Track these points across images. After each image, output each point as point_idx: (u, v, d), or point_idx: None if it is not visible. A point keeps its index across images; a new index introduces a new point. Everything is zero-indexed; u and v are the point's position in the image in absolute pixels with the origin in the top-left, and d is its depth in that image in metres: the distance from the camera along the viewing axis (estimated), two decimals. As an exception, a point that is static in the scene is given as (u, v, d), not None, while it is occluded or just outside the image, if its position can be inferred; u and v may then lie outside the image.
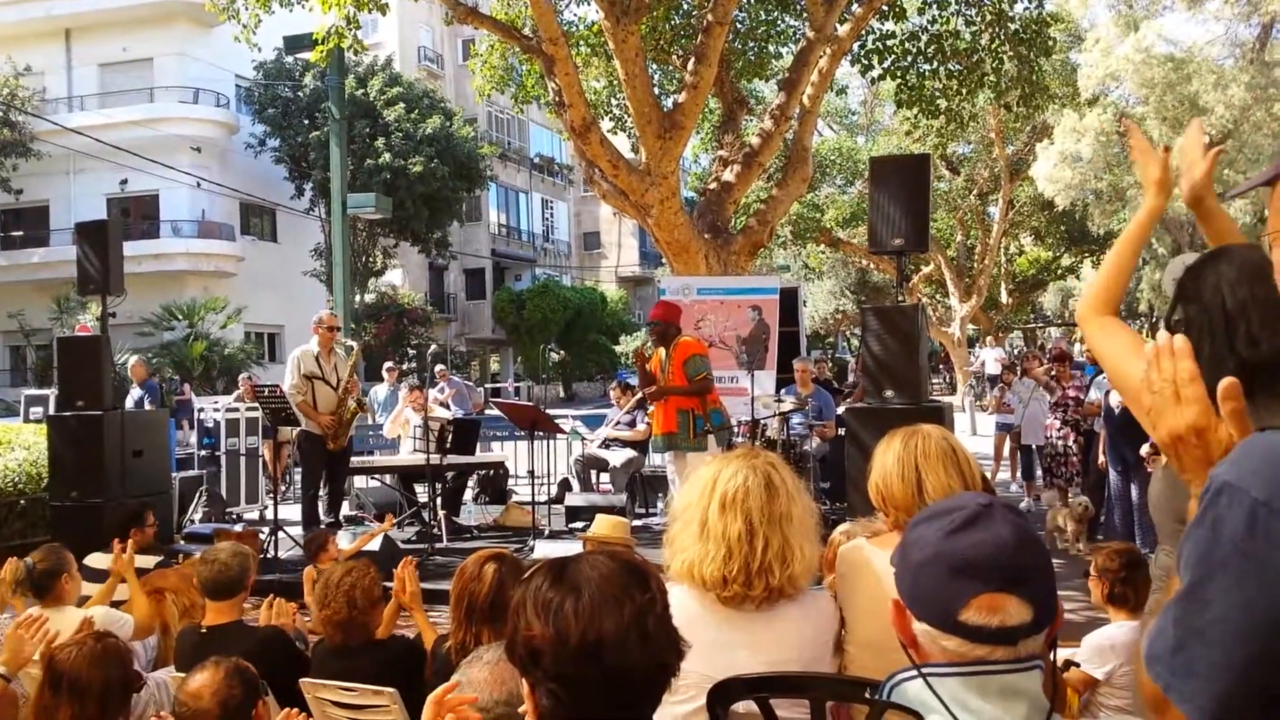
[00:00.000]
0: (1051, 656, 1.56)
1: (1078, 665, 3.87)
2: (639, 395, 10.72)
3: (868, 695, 2.18)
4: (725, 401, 8.66)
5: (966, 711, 1.40)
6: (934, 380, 35.02)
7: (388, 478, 10.60)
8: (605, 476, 10.60)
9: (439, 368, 16.00)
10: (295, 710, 2.87)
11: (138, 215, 32.04)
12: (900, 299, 7.87)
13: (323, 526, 8.30)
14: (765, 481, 2.39)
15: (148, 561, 5.51)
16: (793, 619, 2.40)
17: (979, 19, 12.89)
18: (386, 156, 29.55)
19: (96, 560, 5.25)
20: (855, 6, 11.75)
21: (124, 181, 30.48)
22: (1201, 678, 1.10)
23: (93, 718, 2.79)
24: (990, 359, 27.41)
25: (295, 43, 15.80)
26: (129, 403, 12.22)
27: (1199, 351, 1.91)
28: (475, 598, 3.28)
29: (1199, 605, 1.12)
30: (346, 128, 17.73)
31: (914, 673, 1.47)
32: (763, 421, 9.51)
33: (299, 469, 13.50)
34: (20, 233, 32.97)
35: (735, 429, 8.18)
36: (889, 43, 13.15)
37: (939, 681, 1.42)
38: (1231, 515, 1.12)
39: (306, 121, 30.20)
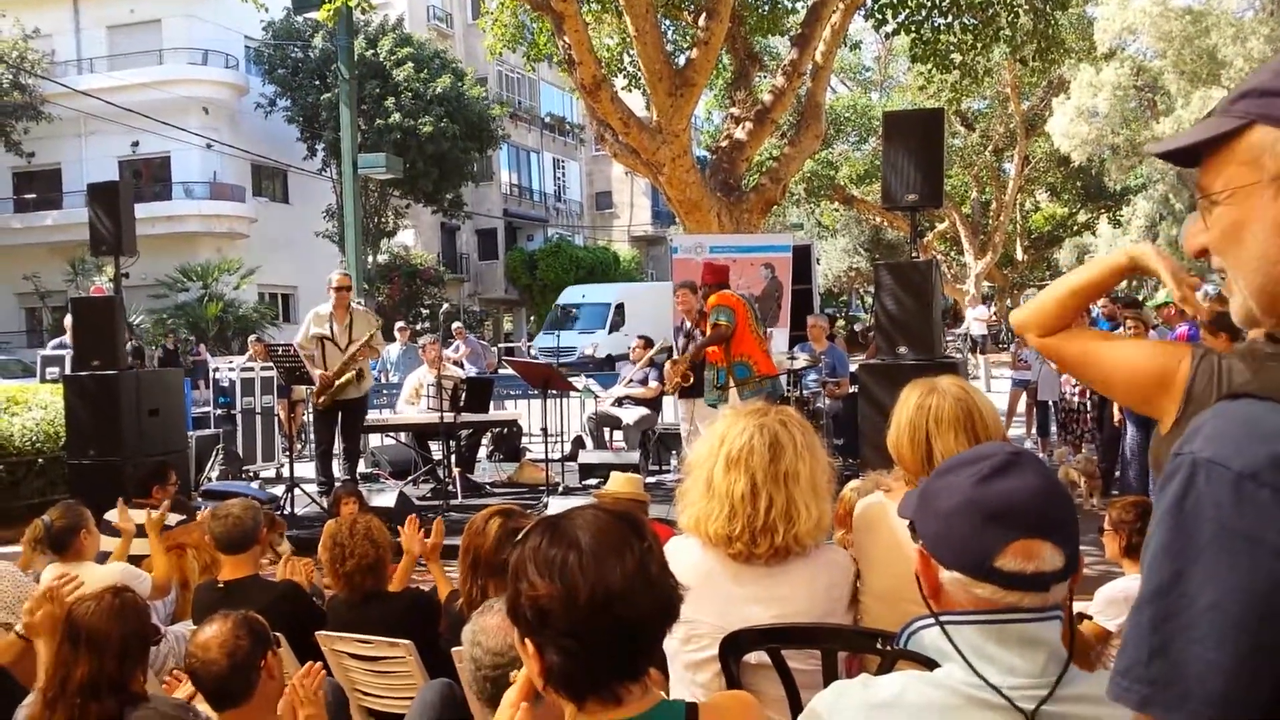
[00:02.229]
0: (1069, 606, 1.54)
1: (1090, 618, 3.88)
2: (651, 353, 10.75)
3: (879, 645, 2.19)
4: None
5: (984, 660, 1.40)
6: (948, 337, 34.85)
7: (402, 435, 10.65)
8: (619, 434, 10.64)
9: (455, 325, 16.06)
10: (317, 664, 2.90)
11: (149, 177, 32.05)
12: (914, 255, 7.82)
13: (338, 485, 8.35)
14: (771, 440, 2.37)
15: (170, 519, 5.57)
16: (804, 573, 2.41)
17: (995, -29, 12.69)
18: (396, 117, 29.40)
19: (116, 516, 5.30)
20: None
21: (135, 144, 30.45)
22: (1195, 679, 0.98)
23: (112, 672, 2.82)
24: (973, 319, 26.22)
25: (303, 2, 15.70)
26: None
27: None
28: (481, 551, 3.32)
29: (1181, 600, 1.00)
30: (357, 88, 17.64)
31: (930, 621, 1.47)
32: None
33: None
34: (33, 195, 33.02)
35: (769, 383, 8.04)
36: (903, -4, 12.96)
37: (956, 630, 1.42)
38: (1212, 492, 1.01)
39: (317, 82, 30.06)
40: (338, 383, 8.84)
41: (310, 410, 9.83)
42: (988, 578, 1.41)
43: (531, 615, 1.44)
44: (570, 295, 30.61)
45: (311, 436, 13.41)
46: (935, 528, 1.47)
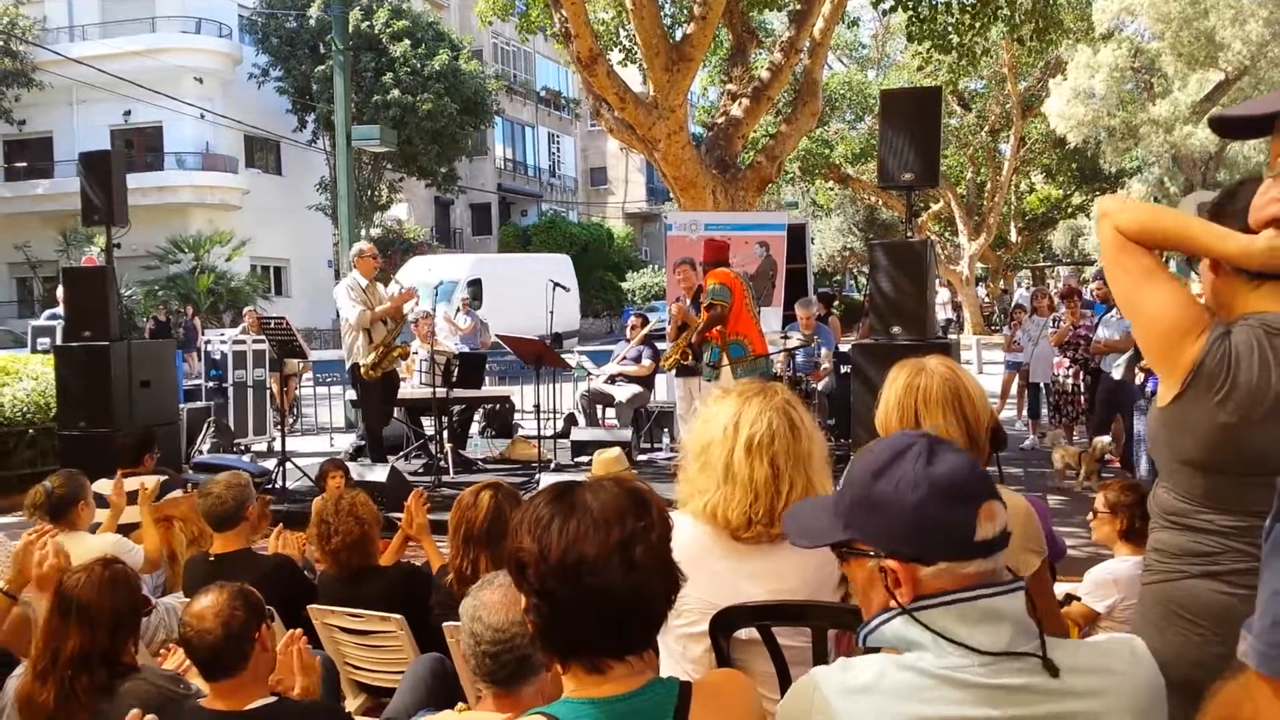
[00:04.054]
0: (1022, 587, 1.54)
1: (1079, 599, 3.90)
2: (646, 330, 10.74)
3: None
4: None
5: (950, 641, 1.40)
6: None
7: (395, 410, 10.63)
8: (611, 412, 10.64)
9: (462, 296, 16.03)
10: (299, 631, 2.91)
11: (141, 147, 31.83)
12: (909, 235, 7.81)
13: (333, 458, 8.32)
14: (789, 423, 2.37)
15: (150, 481, 5.59)
16: (798, 550, 2.41)
17: (994, -50, 12.61)
18: (395, 93, 29.23)
19: (104, 487, 5.30)
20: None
21: (127, 113, 30.24)
22: None
23: (103, 644, 2.82)
24: (937, 303, 25.81)
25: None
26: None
27: None
28: (472, 525, 3.32)
29: None
30: (351, 60, 17.49)
31: (888, 615, 1.45)
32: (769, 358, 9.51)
33: (306, 401, 13.58)
34: (24, 164, 32.80)
35: (762, 363, 8.04)
36: (902, -26, 12.87)
37: (922, 615, 1.42)
38: None
39: (307, 51, 29.83)
40: (392, 354, 8.74)
41: (357, 390, 9.39)
42: (973, 552, 1.42)
43: (514, 566, 1.50)
44: (413, 269, 25.02)
45: (305, 411, 13.44)
46: (907, 529, 1.44)
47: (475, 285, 21.74)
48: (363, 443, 10.47)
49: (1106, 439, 8.53)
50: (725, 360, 7.85)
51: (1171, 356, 1.98)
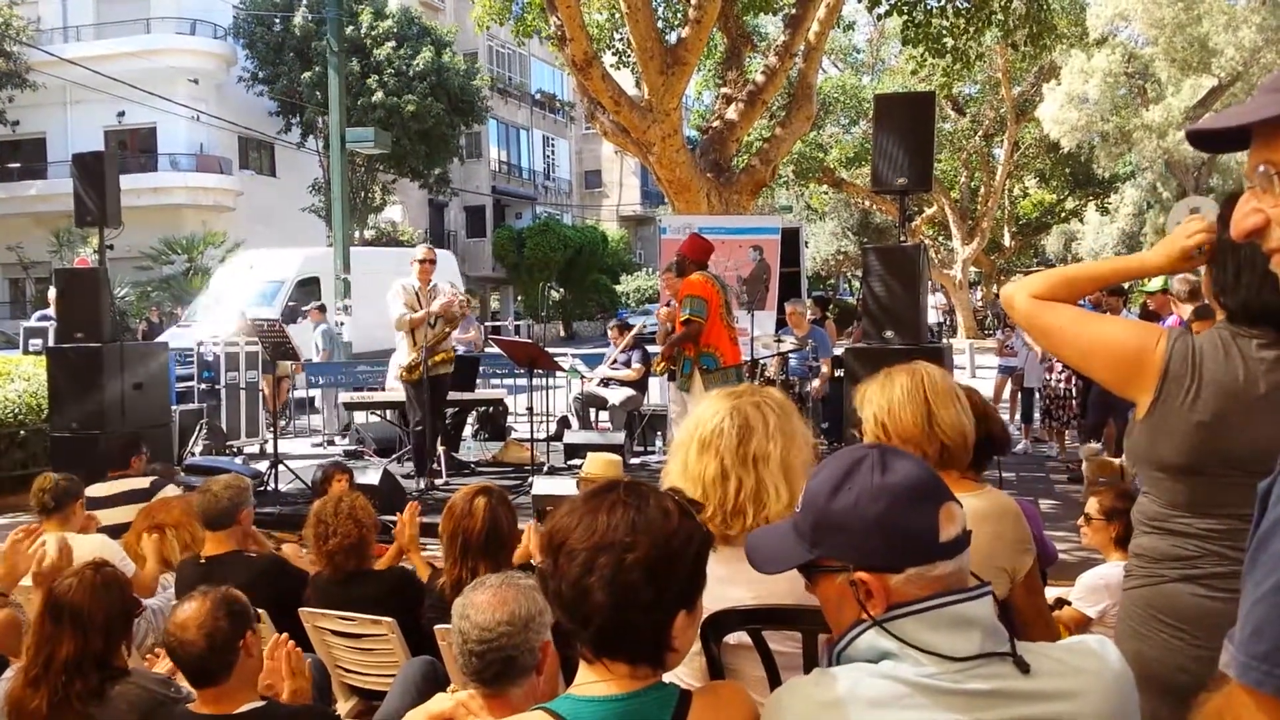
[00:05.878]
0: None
1: (1070, 603, 3.91)
2: (632, 335, 10.74)
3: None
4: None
5: (921, 650, 1.41)
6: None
7: (387, 413, 10.62)
8: (604, 415, 10.64)
9: (461, 301, 15.91)
10: (284, 636, 2.90)
11: (135, 148, 31.76)
12: (902, 239, 7.82)
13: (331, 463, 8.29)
14: (741, 422, 2.35)
15: (143, 483, 5.59)
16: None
17: (988, -45, 12.65)
18: (380, 95, 29.12)
19: (96, 490, 5.30)
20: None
21: (121, 114, 30.16)
22: None
23: (97, 648, 2.81)
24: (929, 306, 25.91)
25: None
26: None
27: (1224, 264, 1.99)
28: (469, 534, 3.30)
29: None
30: (344, 60, 17.47)
31: (859, 629, 1.46)
32: (762, 362, 9.51)
33: (298, 404, 13.56)
34: (17, 165, 32.69)
35: (732, 373, 7.94)
36: (896, -22, 12.91)
37: (893, 625, 1.43)
38: None
39: (294, 56, 29.71)
40: (438, 357, 8.60)
41: (410, 392, 8.99)
42: (941, 554, 1.44)
43: None
44: (234, 266, 21.45)
45: (291, 412, 13.41)
46: (874, 541, 1.45)
47: (311, 285, 18.05)
48: (353, 447, 10.47)
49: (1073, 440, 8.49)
50: (696, 372, 7.73)
51: (1141, 372, 2.03)
